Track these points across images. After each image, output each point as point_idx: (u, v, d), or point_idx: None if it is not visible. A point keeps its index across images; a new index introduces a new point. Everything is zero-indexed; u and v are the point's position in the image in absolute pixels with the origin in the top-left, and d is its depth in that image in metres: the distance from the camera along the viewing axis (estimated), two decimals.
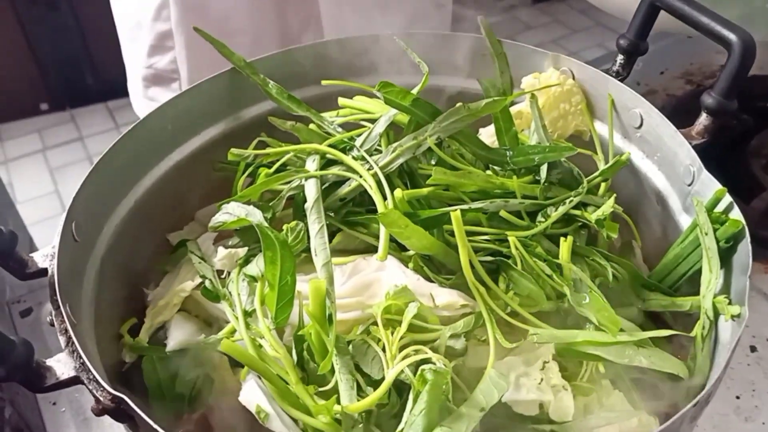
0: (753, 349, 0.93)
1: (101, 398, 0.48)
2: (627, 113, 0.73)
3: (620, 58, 0.76)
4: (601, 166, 0.73)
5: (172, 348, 0.66)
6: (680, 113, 1.15)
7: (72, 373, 0.50)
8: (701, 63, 1.42)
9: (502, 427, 0.60)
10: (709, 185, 0.62)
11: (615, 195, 0.69)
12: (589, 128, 0.78)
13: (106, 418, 0.87)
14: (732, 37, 0.63)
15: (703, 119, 0.67)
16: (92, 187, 0.66)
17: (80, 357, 0.50)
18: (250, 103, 0.81)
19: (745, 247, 0.58)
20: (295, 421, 0.60)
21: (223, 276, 0.70)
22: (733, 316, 0.56)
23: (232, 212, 0.71)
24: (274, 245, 0.62)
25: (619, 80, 0.75)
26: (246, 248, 0.69)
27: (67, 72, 3.14)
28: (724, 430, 0.85)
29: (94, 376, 0.49)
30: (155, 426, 0.46)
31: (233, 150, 0.74)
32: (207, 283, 0.68)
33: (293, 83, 0.83)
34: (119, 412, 0.48)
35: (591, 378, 0.63)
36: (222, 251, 0.69)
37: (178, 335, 0.68)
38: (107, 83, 3.11)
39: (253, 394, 0.61)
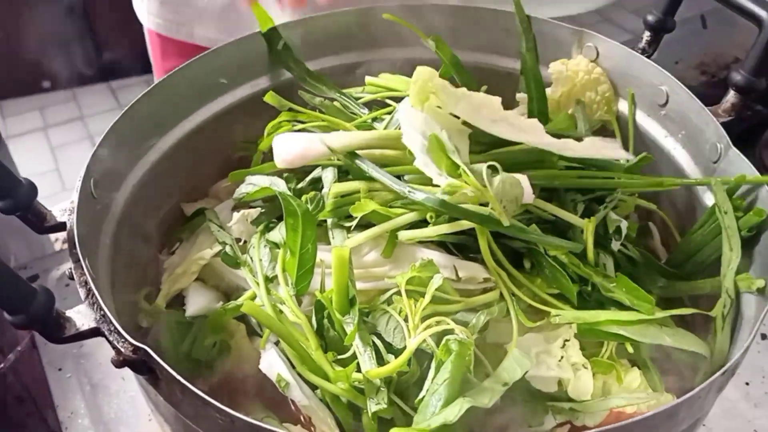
0: (764, 336, 0.92)
1: (123, 350, 0.47)
2: (652, 90, 0.72)
3: (647, 35, 0.75)
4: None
5: (192, 313, 0.66)
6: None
7: (92, 325, 0.49)
8: (716, 53, 1.42)
9: (520, 402, 0.60)
10: (736, 163, 0.61)
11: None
12: (613, 121, 0.77)
13: (112, 384, 0.88)
14: (762, 13, 0.62)
15: (731, 96, 0.66)
16: (110, 146, 0.65)
17: (101, 309, 0.49)
18: (270, 72, 0.80)
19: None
20: (313, 390, 0.60)
21: (240, 244, 0.70)
22: (759, 289, 0.55)
23: (255, 183, 0.71)
24: (296, 213, 0.62)
25: (645, 57, 0.74)
26: (259, 210, 0.69)
27: (70, 51, 3.12)
28: (733, 416, 0.84)
29: (115, 328, 0.48)
30: (177, 376, 0.45)
31: (271, 93, 0.74)
32: (228, 249, 0.67)
33: (311, 53, 0.82)
34: (140, 364, 0.47)
35: (610, 357, 0.62)
36: (236, 215, 0.69)
37: (198, 301, 0.67)
38: (110, 63, 3.10)
39: (273, 363, 0.61)
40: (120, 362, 0.47)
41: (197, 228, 0.74)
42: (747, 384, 0.87)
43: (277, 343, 0.63)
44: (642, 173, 0.72)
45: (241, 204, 0.72)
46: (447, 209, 0.60)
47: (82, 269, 0.52)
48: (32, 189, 0.55)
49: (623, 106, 0.76)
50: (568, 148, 0.63)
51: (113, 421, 0.85)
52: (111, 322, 0.48)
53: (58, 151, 2.90)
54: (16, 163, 2.70)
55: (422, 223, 0.64)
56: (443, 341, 0.55)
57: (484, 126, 0.64)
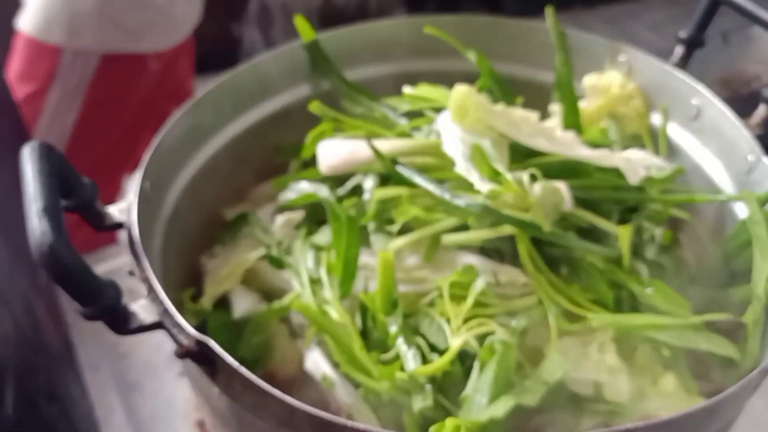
0: None
1: (185, 342, 0.49)
2: (685, 104, 0.74)
3: (679, 49, 0.77)
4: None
5: (239, 315, 0.68)
6: None
7: (156, 318, 0.51)
8: (738, 70, 1.43)
9: (557, 405, 0.61)
10: (765, 174, 0.63)
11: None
12: (644, 135, 0.79)
13: (147, 384, 0.90)
14: None
15: (761, 110, 0.68)
16: (161, 152, 0.67)
17: (163, 303, 0.51)
18: (311, 81, 0.83)
19: None
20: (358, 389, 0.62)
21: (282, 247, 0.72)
22: None
23: (299, 189, 0.74)
24: (340, 218, 0.64)
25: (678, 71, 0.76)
26: (302, 214, 0.71)
27: None
28: (760, 426, 0.86)
29: (176, 321, 0.50)
30: (239, 367, 0.47)
31: (316, 102, 0.77)
32: (273, 251, 0.69)
33: (350, 63, 0.84)
34: (201, 356, 0.49)
35: (644, 360, 0.64)
36: (280, 218, 0.71)
37: (244, 303, 0.69)
38: None
39: (318, 362, 0.63)
40: (182, 354, 0.49)
41: (239, 232, 0.76)
42: None
43: (318, 345, 0.66)
44: (677, 184, 0.74)
45: (284, 209, 0.74)
46: (489, 214, 0.62)
47: (143, 265, 0.54)
48: (94, 189, 0.58)
49: (656, 119, 0.78)
50: (604, 158, 0.65)
51: (148, 419, 0.87)
52: (172, 316, 0.51)
53: None
54: None
55: (462, 229, 0.66)
56: (486, 342, 0.57)
57: (523, 140, 0.66)
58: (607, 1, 3.69)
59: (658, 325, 0.60)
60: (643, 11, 3.72)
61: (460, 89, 0.66)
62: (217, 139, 0.77)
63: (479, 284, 0.60)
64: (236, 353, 0.65)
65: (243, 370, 0.47)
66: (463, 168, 0.65)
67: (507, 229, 0.63)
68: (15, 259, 1.10)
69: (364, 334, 0.63)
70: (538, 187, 0.63)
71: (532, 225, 0.62)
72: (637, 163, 0.65)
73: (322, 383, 0.61)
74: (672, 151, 0.76)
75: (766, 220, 0.61)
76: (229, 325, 0.68)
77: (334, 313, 0.63)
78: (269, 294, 0.72)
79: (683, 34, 0.76)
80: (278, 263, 0.68)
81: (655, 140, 0.78)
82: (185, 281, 0.75)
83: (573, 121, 0.79)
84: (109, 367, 0.93)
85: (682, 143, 0.76)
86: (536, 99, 0.83)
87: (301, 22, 0.79)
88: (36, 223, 0.45)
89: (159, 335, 0.96)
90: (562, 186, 0.64)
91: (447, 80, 0.81)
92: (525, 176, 0.64)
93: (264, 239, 0.70)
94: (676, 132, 0.76)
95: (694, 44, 0.76)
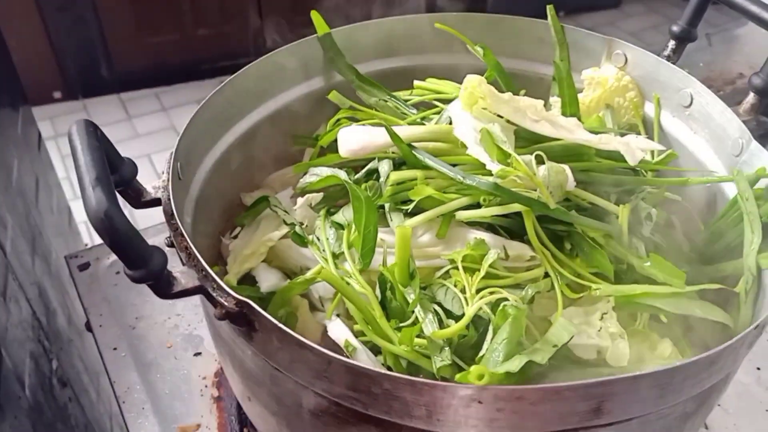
0: None
1: (225, 303, 0.53)
2: (677, 93, 0.79)
3: (672, 43, 0.83)
4: (648, 157, 0.80)
5: (266, 289, 0.72)
6: None
7: (196, 283, 0.55)
8: (721, 70, 1.50)
9: (563, 369, 0.66)
10: (758, 154, 0.68)
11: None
12: (639, 124, 0.84)
13: (165, 363, 0.94)
14: None
15: (750, 98, 0.73)
16: (190, 136, 0.71)
17: (203, 269, 0.55)
18: (326, 73, 0.87)
19: None
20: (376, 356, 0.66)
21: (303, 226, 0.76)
22: None
23: (319, 173, 0.78)
24: (360, 198, 0.69)
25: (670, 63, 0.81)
26: (321, 195, 0.75)
27: (82, 62, 3.19)
28: (746, 398, 0.91)
29: (218, 284, 0.54)
30: (277, 323, 0.51)
31: (334, 92, 0.81)
32: (297, 229, 0.73)
33: (362, 57, 0.89)
34: (241, 316, 0.53)
35: (643, 328, 0.69)
36: (300, 200, 0.75)
37: (269, 279, 0.74)
38: (121, 74, 3.17)
39: (340, 331, 0.67)
40: (222, 315, 0.53)
41: (259, 214, 0.80)
42: (758, 369, 0.94)
43: (338, 316, 0.70)
44: (667, 168, 0.79)
45: (303, 193, 0.78)
46: (499, 192, 0.67)
47: (182, 236, 0.58)
48: (133, 167, 0.62)
49: (649, 109, 0.84)
50: (605, 142, 0.70)
51: (167, 396, 0.91)
52: (214, 280, 0.55)
53: (68, 160, 2.96)
54: None
55: (473, 207, 0.70)
56: (500, 307, 0.61)
57: (528, 125, 0.71)
58: (587, 10, 3.78)
59: (656, 294, 0.65)
60: (622, 19, 3.82)
61: (471, 78, 0.71)
62: (237, 128, 0.81)
63: (491, 255, 0.64)
64: None
65: (282, 326, 0.51)
66: (474, 151, 0.70)
67: (515, 207, 0.68)
68: (31, 248, 1.14)
69: (383, 304, 0.67)
70: (543, 168, 0.68)
71: (539, 202, 0.66)
72: (635, 146, 0.70)
73: (346, 349, 0.65)
74: (665, 138, 0.82)
75: (756, 199, 0.67)
76: (255, 300, 0.72)
77: (356, 284, 0.68)
78: (289, 271, 0.77)
79: (676, 28, 0.81)
80: (302, 240, 0.73)
81: (649, 129, 0.83)
82: (213, 259, 0.79)
83: (572, 111, 0.84)
84: (127, 348, 0.97)
85: (674, 131, 0.81)
86: (535, 92, 0.88)
87: (316, 17, 0.84)
88: (90, 192, 0.49)
89: (173, 318, 1.00)
90: (566, 167, 0.69)
91: (451, 75, 0.87)
92: (532, 158, 0.69)
93: (287, 219, 0.74)
94: (668, 120, 0.81)
95: (685, 38, 0.81)
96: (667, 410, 0.54)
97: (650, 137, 0.83)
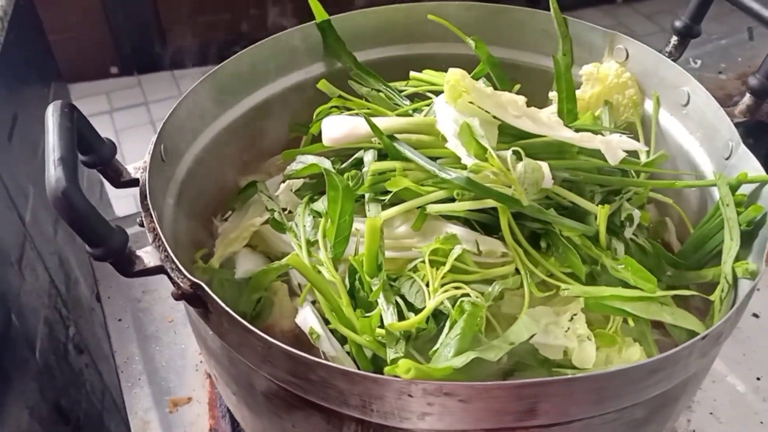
0: None
1: (182, 284, 0.55)
2: (675, 91, 0.77)
3: (674, 39, 0.80)
4: (644, 158, 0.78)
5: (240, 275, 0.74)
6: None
7: (158, 263, 0.57)
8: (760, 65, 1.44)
9: (529, 367, 0.66)
10: (745, 159, 0.66)
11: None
12: (637, 122, 0.82)
13: (165, 336, 0.97)
14: None
15: (747, 99, 0.71)
16: (177, 119, 0.73)
17: (165, 250, 0.58)
18: (324, 60, 0.88)
19: (765, 232, 0.62)
20: (342, 345, 0.67)
21: (286, 213, 0.78)
22: (751, 273, 0.60)
23: (304, 161, 0.79)
24: (337, 187, 0.70)
25: (671, 60, 0.79)
26: (302, 181, 0.77)
27: (137, 39, 3.28)
28: (740, 406, 0.89)
29: (176, 266, 0.56)
30: (225, 307, 0.53)
31: (323, 81, 0.83)
32: (276, 215, 0.75)
33: (360, 45, 0.89)
34: (196, 298, 0.55)
35: (615, 332, 0.67)
36: (283, 185, 0.77)
37: (246, 264, 0.75)
38: (174, 53, 3.25)
39: (308, 317, 0.69)
40: (179, 296, 0.55)
41: (249, 198, 0.82)
42: (758, 379, 0.91)
43: (313, 303, 0.71)
44: (662, 168, 0.77)
45: (291, 179, 0.79)
46: (472, 187, 0.66)
47: (151, 217, 0.60)
48: (113, 148, 0.64)
49: (649, 107, 0.81)
50: (585, 140, 0.69)
51: (163, 368, 0.94)
52: (173, 261, 0.57)
53: (121, 134, 3.05)
54: None
55: (450, 201, 0.70)
56: (457, 303, 0.61)
57: (509, 120, 0.70)
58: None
59: (624, 298, 0.64)
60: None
61: (454, 72, 0.71)
62: (232, 111, 0.83)
63: (456, 251, 0.64)
64: (238, 308, 0.72)
65: (228, 309, 0.53)
66: (453, 144, 0.70)
67: (489, 202, 0.68)
68: (54, 219, 1.19)
69: (353, 293, 0.68)
70: (520, 165, 0.67)
71: (512, 199, 0.66)
72: (616, 145, 0.69)
73: (310, 336, 0.67)
74: (662, 137, 0.80)
75: (737, 205, 0.65)
76: (233, 283, 0.74)
77: (327, 273, 0.69)
78: (273, 256, 0.78)
79: (678, 23, 0.79)
80: (280, 227, 0.74)
81: (647, 127, 0.81)
82: (200, 242, 0.81)
83: (570, 107, 0.82)
84: (131, 320, 1.00)
85: (671, 129, 0.79)
86: (539, 84, 0.87)
87: (314, 3, 0.84)
88: (52, 171, 0.51)
89: None
90: (543, 165, 0.68)
91: (456, 63, 0.86)
92: (509, 154, 0.68)
93: (268, 204, 0.76)
94: (666, 119, 0.79)
95: (687, 35, 0.79)
96: (612, 415, 0.54)
97: (648, 136, 0.81)
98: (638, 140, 0.81)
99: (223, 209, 0.84)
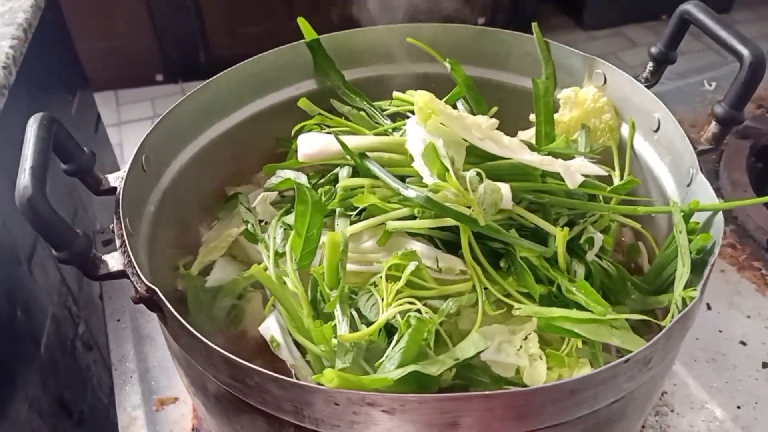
0: (765, 365, 0.95)
1: (139, 289, 0.59)
2: (648, 117, 0.78)
3: (650, 65, 0.81)
4: (617, 182, 0.79)
5: (211, 283, 0.78)
6: (745, 137, 1.19)
7: (120, 267, 0.61)
8: None
9: (482, 384, 0.67)
10: (703, 187, 0.67)
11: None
12: (613, 147, 0.84)
13: (159, 338, 1.01)
14: (744, 51, 0.67)
15: (713, 127, 0.71)
16: (164, 130, 0.77)
17: (129, 255, 0.61)
18: (314, 77, 0.91)
19: (709, 259, 0.62)
20: (303, 355, 0.70)
21: (263, 224, 0.81)
22: (692, 299, 0.60)
23: (283, 175, 0.83)
24: (307, 202, 0.73)
25: (647, 86, 0.80)
26: (276, 193, 0.81)
27: (182, 48, 3.39)
28: None
29: (136, 271, 0.60)
30: (173, 311, 0.56)
31: (304, 99, 0.86)
32: (249, 227, 0.78)
33: (346, 64, 0.92)
34: (152, 302, 0.59)
35: (570, 353, 0.69)
36: (259, 197, 0.80)
37: (220, 273, 0.79)
38: (217, 62, 3.32)
39: (270, 326, 0.72)
40: (137, 299, 0.59)
41: (233, 209, 0.86)
42: (739, 407, 0.90)
43: (280, 312, 0.74)
44: (635, 193, 0.78)
45: (271, 192, 0.83)
46: (430, 205, 0.69)
47: (121, 224, 0.64)
48: (92, 157, 0.69)
49: (626, 132, 0.82)
50: (546, 163, 0.70)
51: (155, 368, 0.98)
52: (134, 267, 0.60)
53: None
54: (124, 147, 2.98)
55: (414, 218, 0.73)
56: (405, 317, 0.64)
57: (474, 142, 0.72)
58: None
59: (574, 320, 0.65)
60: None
61: (422, 94, 0.73)
62: (220, 125, 0.87)
63: (411, 266, 0.67)
64: (211, 314, 0.76)
65: (176, 314, 0.56)
66: (417, 164, 0.72)
67: (449, 221, 0.70)
68: (71, 221, 1.25)
69: (316, 304, 0.71)
70: (481, 186, 0.69)
71: (469, 218, 0.68)
72: (575, 170, 0.70)
73: (270, 344, 0.70)
74: (636, 161, 0.80)
75: (689, 233, 0.65)
76: (208, 290, 0.78)
77: (290, 283, 0.72)
78: (250, 265, 0.81)
79: (654, 50, 0.79)
80: (253, 238, 0.77)
81: (623, 152, 0.82)
82: (187, 249, 0.85)
83: (548, 129, 0.84)
84: (129, 320, 1.05)
85: (644, 154, 0.80)
86: (523, 105, 0.89)
87: (303, 23, 0.88)
88: (21, 180, 0.56)
89: None
90: (503, 186, 0.70)
91: (447, 83, 0.88)
92: (471, 175, 0.70)
93: (244, 216, 0.80)
94: (640, 144, 0.80)
95: (663, 61, 0.79)
96: None
97: (622, 160, 0.82)
98: (613, 165, 0.82)
99: (209, 218, 0.88)
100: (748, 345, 0.97)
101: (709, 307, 1.02)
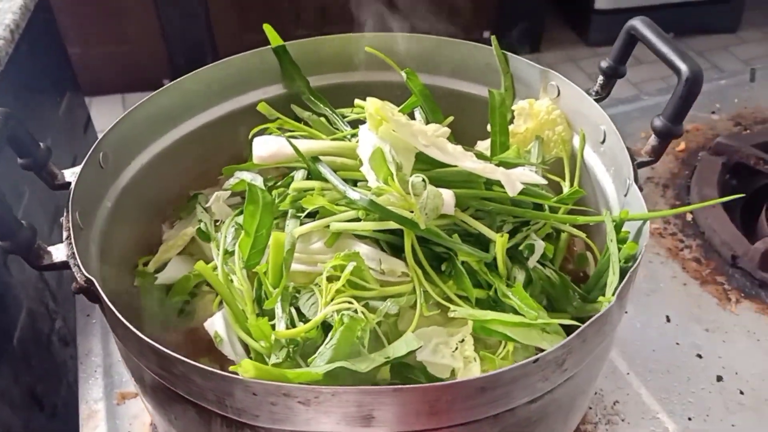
0: (719, 378, 0.95)
1: (79, 279, 0.61)
2: (596, 129, 0.79)
3: (600, 79, 0.83)
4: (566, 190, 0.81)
5: (159, 282, 0.80)
6: (719, 153, 1.20)
7: (63, 258, 0.63)
8: (755, 108, 1.43)
9: (417, 383, 0.69)
10: (635, 197, 0.68)
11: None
12: (565, 158, 0.86)
13: None
14: (682, 66, 0.69)
15: (652, 140, 0.73)
16: (124, 129, 0.80)
17: (72, 247, 0.64)
18: (275, 83, 0.94)
19: (635, 269, 0.64)
20: (247, 353, 0.72)
21: (218, 224, 0.83)
22: (606, 303, 0.62)
23: (240, 176, 0.85)
24: (257, 202, 0.74)
25: (597, 99, 0.82)
26: (230, 192, 0.83)
27: (190, 54, 3.44)
28: None
29: (77, 262, 0.62)
30: (107, 301, 0.58)
31: (263, 104, 0.89)
32: (202, 225, 0.81)
33: (312, 70, 0.95)
34: (90, 293, 0.61)
35: (506, 356, 0.70)
36: (213, 196, 0.82)
37: (170, 272, 0.81)
38: None
39: (215, 323, 0.74)
40: (77, 289, 0.61)
41: (194, 209, 0.88)
42: (690, 419, 0.91)
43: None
44: (584, 204, 0.80)
45: (225, 192, 0.85)
46: (373, 208, 0.71)
47: (69, 216, 0.67)
48: (48, 152, 0.71)
49: (577, 143, 0.84)
50: (488, 171, 0.72)
51: (118, 363, 1.00)
52: (75, 258, 0.63)
53: None
54: None
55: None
56: (339, 315, 0.65)
57: (421, 148, 0.74)
58: (701, 33, 3.61)
59: (506, 323, 0.67)
60: (737, 45, 3.60)
61: (373, 101, 0.75)
62: (185, 126, 0.89)
63: (349, 267, 0.69)
64: (163, 311, 0.78)
65: (111, 305, 0.58)
66: (365, 168, 0.74)
67: (392, 224, 0.72)
68: (51, 219, 1.28)
69: (261, 302, 0.73)
70: (425, 191, 0.71)
71: (410, 221, 0.70)
72: (515, 178, 0.72)
73: (214, 339, 0.72)
74: (586, 173, 0.82)
75: (620, 240, 0.67)
76: (162, 287, 0.80)
77: (237, 281, 0.74)
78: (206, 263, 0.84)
79: (604, 64, 0.81)
80: (206, 236, 0.80)
81: (573, 162, 0.84)
82: (146, 247, 0.87)
83: (503, 140, 0.86)
84: (99, 316, 1.07)
85: (593, 166, 0.81)
86: (482, 114, 0.90)
87: (269, 30, 0.91)
88: None
89: None
90: (446, 192, 0.72)
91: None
92: (415, 180, 0.72)
93: (200, 216, 0.82)
94: (589, 155, 0.82)
95: (613, 75, 0.81)
96: (459, 429, 0.56)
97: (573, 171, 0.83)
98: (563, 175, 0.84)
99: (173, 218, 0.90)
100: (704, 358, 0.98)
101: (668, 320, 1.03)
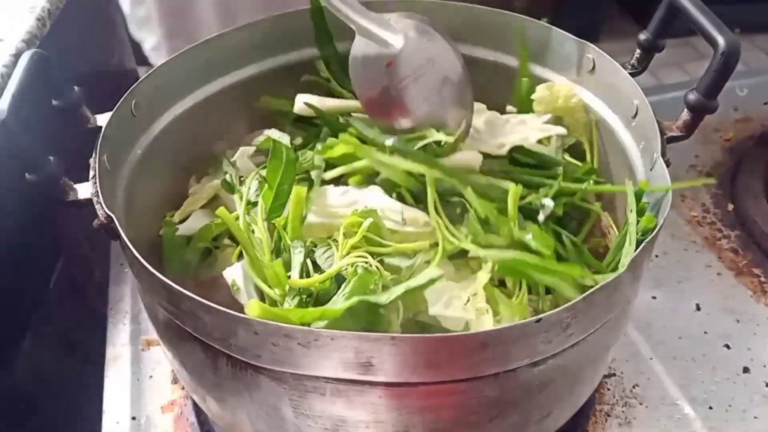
0: (746, 370, 0.93)
1: (100, 215, 0.63)
2: (629, 103, 0.78)
3: (637, 53, 0.81)
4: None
5: (180, 233, 0.81)
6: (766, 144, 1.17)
7: (88, 196, 0.65)
8: None
9: None
10: (660, 171, 0.67)
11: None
12: (585, 144, 0.85)
13: None
14: (719, 38, 0.66)
15: (684, 115, 0.71)
16: (159, 79, 0.81)
17: (96, 186, 0.65)
18: (290, 49, 0.94)
19: (652, 240, 0.62)
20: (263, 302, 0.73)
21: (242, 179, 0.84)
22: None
23: (267, 134, 0.87)
24: (281, 156, 0.76)
25: (632, 72, 0.80)
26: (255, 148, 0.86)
27: None
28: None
29: (99, 200, 0.64)
30: (124, 237, 0.60)
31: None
32: (227, 177, 0.82)
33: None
34: (110, 230, 0.63)
35: (520, 304, 0.70)
36: (239, 151, 0.83)
37: (192, 223, 0.83)
38: None
39: (234, 273, 0.75)
40: (98, 225, 0.63)
41: (221, 164, 0.89)
42: (710, 408, 0.89)
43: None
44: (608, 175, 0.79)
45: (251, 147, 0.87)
46: (403, 147, 0.73)
47: (97, 157, 0.68)
48: (80, 96, 0.73)
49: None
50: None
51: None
52: (99, 196, 0.64)
53: None
54: None
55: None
56: (353, 266, 0.66)
57: None
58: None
59: (527, 263, 0.67)
60: None
61: None
62: (214, 85, 0.89)
63: (366, 223, 0.69)
64: (183, 259, 0.79)
65: (126, 239, 0.60)
66: None
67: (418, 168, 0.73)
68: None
69: (279, 253, 0.74)
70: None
71: (434, 162, 0.71)
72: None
73: (231, 288, 0.73)
74: (613, 144, 0.81)
75: (639, 211, 0.66)
76: (183, 238, 0.82)
77: (258, 231, 0.75)
78: None
79: (642, 37, 0.79)
80: (230, 188, 0.81)
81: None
82: (174, 202, 0.89)
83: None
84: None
85: (624, 140, 0.79)
86: (500, 80, 0.90)
87: None
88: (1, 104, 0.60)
89: None
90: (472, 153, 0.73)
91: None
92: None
93: (226, 169, 0.83)
94: (620, 130, 0.80)
95: (651, 49, 0.79)
96: (463, 386, 0.56)
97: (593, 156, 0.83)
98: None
99: (199, 173, 0.92)
100: (732, 349, 0.96)
101: (698, 308, 1.01)
